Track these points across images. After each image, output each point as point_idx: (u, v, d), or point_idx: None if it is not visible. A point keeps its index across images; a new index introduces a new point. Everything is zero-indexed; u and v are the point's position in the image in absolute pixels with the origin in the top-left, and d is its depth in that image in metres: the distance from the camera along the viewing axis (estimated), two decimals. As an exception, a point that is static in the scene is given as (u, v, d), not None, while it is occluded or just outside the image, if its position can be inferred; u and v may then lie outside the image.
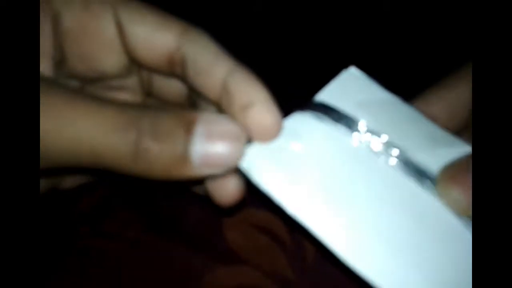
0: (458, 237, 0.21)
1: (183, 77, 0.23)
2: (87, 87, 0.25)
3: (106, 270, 0.30)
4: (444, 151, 0.23)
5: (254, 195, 0.22)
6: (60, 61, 0.23)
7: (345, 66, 0.25)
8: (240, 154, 0.20)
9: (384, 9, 0.45)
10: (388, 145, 0.22)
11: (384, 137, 0.23)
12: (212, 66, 0.22)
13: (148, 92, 0.26)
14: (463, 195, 0.21)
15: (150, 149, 0.19)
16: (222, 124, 0.20)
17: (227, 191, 0.23)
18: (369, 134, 0.23)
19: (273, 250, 0.31)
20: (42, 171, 0.19)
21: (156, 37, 0.22)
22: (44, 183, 0.24)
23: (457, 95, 0.27)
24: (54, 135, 0.19)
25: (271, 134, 0.21)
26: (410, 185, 0.22)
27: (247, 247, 0.31)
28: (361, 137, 0.22)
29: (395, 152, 0.22)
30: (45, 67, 0.23)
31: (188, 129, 0.19)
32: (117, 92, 0.25)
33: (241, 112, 0.21)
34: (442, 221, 0.21)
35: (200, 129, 0.19)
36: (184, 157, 0.19)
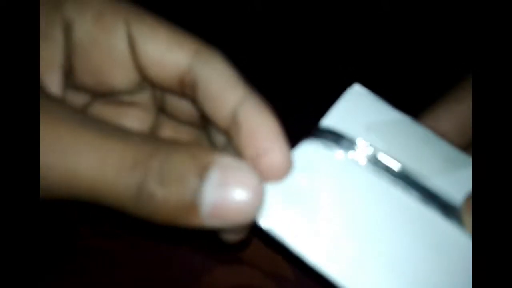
0: None
1: (193, 100, 0.22)
2: (96, 103, 0.24)
3: (106, 270, 0.30)
4: (462, 174, 0.22)
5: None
6: (68, 73, 0.22)
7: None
8: (257, 210, 0.18)
9: (384, 9, 0.45)
10: (403, 171, 0.21)
11: (398, 162, 0.22)
12: (223, 93, 0.21)
13: (161, 108, 0.25)
14: None
15: (155, 194, 0.17)
16: (240, 172, 0.18)
17: (233, 234, 0.22)
18: (381, 160, 0.22)
19: (273, 250, 0.31)
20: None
21: (168, 56, 0.21)
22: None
23: (467, 108, 0.25)
24: (52, 167, 0.17)
25: (282, 174, 0.20)
26: (428, 213, 0.21)
27: (247, 247, 0.31)
28: (372, 163, 0.22)
29: (411, 178, 0.21)
30: (54, 78, 0.22)
31: (201, 174, 0.17)
32: (128, 108, 0.24)
33: (253, 159, 0.20)
34: (464, 251, 0.20)
35: (214, 176, 0.18)
36: (193, 205, 0.18)
